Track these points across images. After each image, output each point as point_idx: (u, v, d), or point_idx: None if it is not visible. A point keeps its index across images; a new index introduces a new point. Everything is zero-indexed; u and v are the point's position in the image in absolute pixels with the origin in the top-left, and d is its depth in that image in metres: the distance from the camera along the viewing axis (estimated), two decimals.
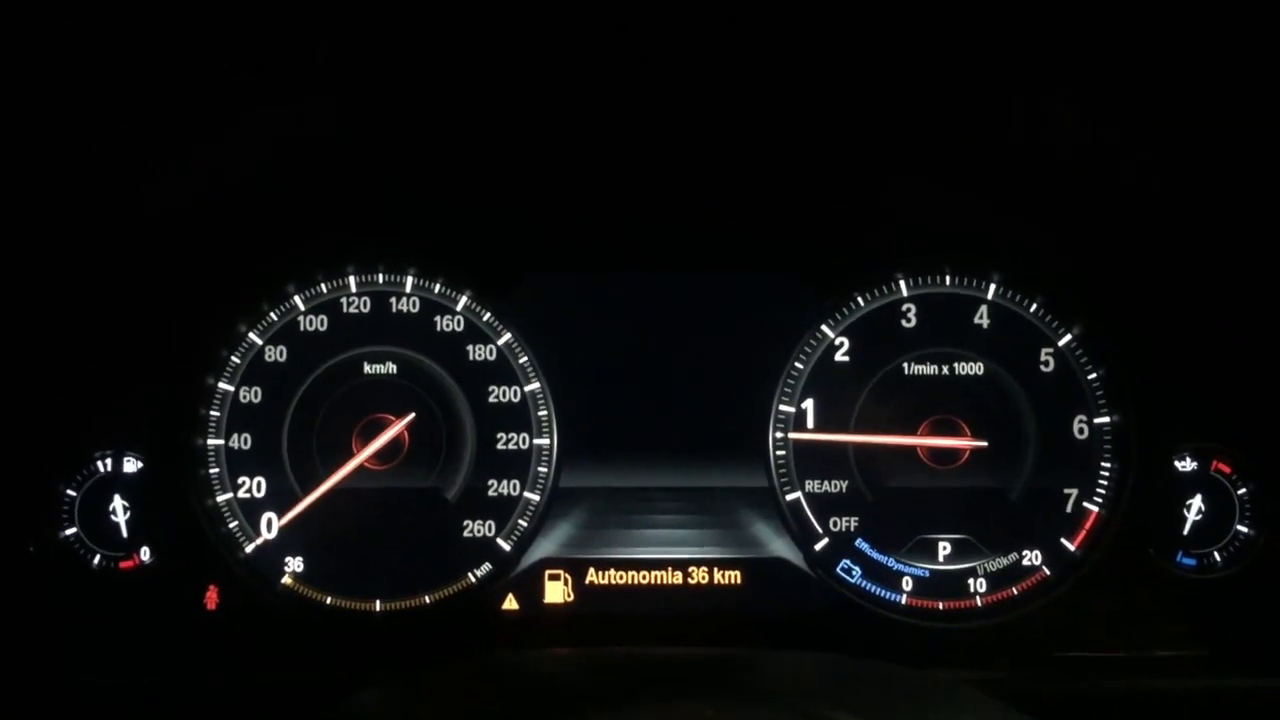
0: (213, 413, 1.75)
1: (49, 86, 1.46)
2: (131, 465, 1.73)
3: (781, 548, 1.75)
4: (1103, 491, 1.75)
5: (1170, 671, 1.67)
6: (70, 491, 1.72)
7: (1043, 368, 1.77)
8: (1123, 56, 1.50)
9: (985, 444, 1.76)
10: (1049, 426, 1.76)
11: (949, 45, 1.52)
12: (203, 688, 1.63)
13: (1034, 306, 1.77)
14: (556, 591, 1.74)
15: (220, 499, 1.74)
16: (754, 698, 1.16)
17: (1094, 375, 1.76)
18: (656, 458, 1.76)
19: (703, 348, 1.77)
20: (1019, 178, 1.71)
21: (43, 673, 1.63)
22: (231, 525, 1.74)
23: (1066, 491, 1.76)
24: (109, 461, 1.73)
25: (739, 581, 1.75)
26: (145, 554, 1.72)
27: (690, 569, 1.75)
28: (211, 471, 1.74)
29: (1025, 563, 1.76)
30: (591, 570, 1.75)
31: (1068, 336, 1.76)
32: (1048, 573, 1.75)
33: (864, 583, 1.76)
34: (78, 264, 1.69)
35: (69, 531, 1.72)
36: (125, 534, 1.72)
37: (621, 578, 1.75)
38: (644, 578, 1.75)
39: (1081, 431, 1.76)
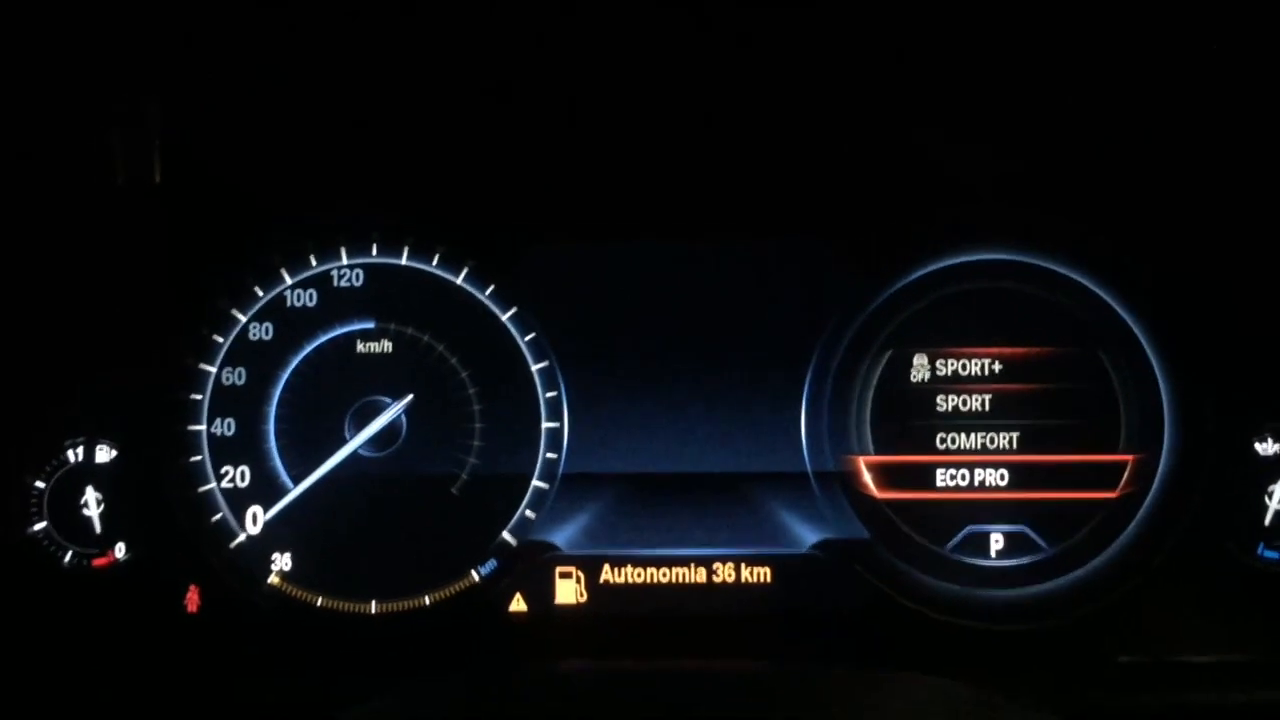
0: (193, 396, 1.65)
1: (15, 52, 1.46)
2: (105, 454, 1.64)
3: (816, 540, 1.64)
4: None
5: (1250, 679, 1.55)
6: (39, 483, 1.63)
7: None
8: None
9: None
10: None
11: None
12: (182, 696, 1.55)
13: (1106, 286, 1.65)
14: (568, 591, 1.64)
15: (201, 490, 1.65)
16: None
17: (1167, 352, 1.64)
18: (676, 442, 1.64)
19: (728, 323, 1.66)
20: (1083, 149, 1.62)
21: (9, 680, 1.55)
22: (214, 519, 1.65)
23: None
24: (80, 450, 1.64)
25: (769, 579, 1.64)
26: (120, 550, 1.63)
27: (715, 565, 1.64)
28: (191, 460, 1.65)
29: (1087, 558, 1.63)
30: (606, 567, 1.64)
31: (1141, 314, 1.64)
32: (1112, 570, 1.62)
33: (908, 580, 1.64)
34: (45, 236, 1.62)
35: (38, 527, 1.63)
36: (98, 529, 1.63)
37: (639, 575, 1.64)
38: (664, 575, 1.64)
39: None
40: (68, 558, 1.62)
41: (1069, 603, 1.62)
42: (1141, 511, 1.62)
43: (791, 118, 1.62)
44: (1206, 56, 1.52)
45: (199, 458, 1.64)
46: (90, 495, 1.62)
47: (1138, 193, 1.62)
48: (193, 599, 1.61)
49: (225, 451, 1.65)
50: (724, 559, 1.63)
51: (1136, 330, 1.64)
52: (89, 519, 1.62)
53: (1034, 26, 1.50)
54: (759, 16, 1.52)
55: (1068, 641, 1.60)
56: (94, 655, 1.58)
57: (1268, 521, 1.60)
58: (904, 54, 1.55)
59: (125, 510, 1.63)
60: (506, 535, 1.65)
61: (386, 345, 1.66)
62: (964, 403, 1.64)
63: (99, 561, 1.62)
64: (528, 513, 1.64)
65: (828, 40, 1.54)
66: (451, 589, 1.64)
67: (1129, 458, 1.62)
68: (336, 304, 1.66)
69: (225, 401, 1.65)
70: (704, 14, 1.51)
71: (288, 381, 1.65)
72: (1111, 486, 1.62)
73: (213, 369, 1.65)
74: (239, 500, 1.64)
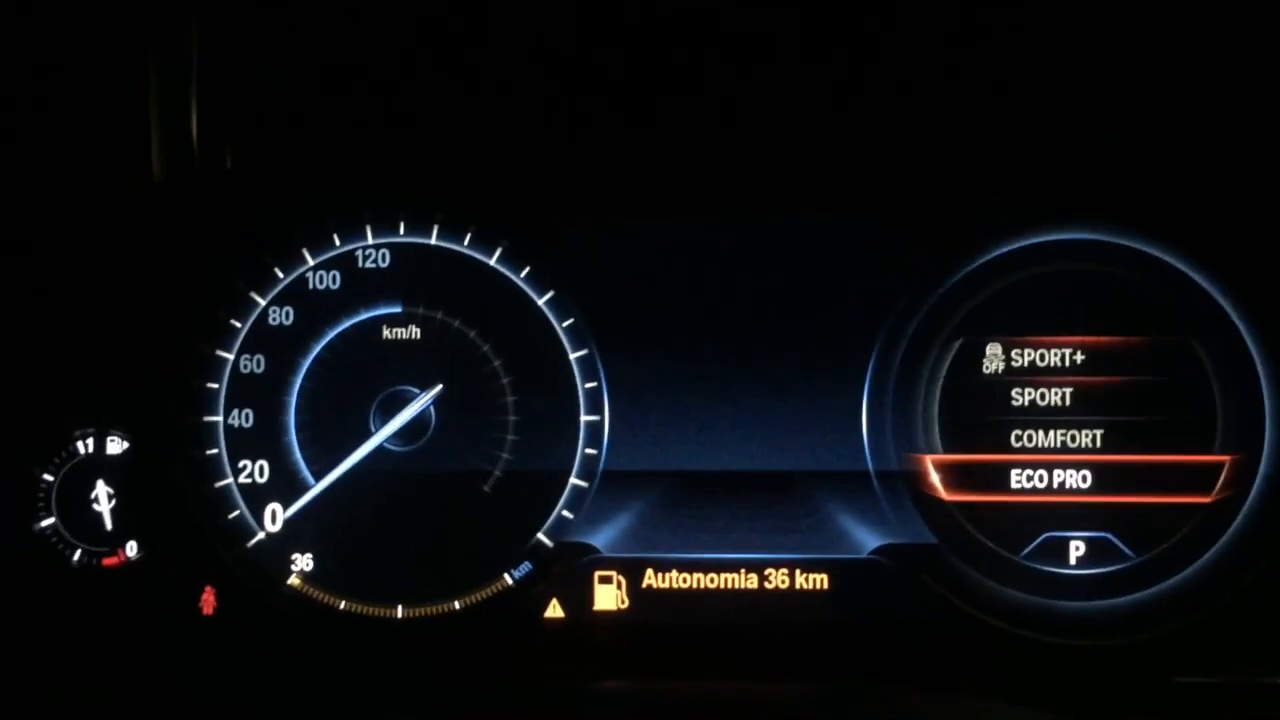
0: (209, 385, 1.59)
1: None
2: (116, 446, 1.58)
3: (878, 545, 1.54)
4: None
5: None
6: (47, 476, 1.58)
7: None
8: None
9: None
10: None
11: None
12: (197, 704, 1.47)
13: (1201, 268, 1.53)
14: (608, 596, 1.56)
15: (217, 485, 1.59)
16: None
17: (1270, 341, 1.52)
18: (726, 438, 1.56)
19: (783, 309, 1.57)
20: (1172, 118, 1.52)
21: (15, 685, 1.49)
22: (231, 516, 1.59)
23: None
24: (90, 442, 1.58)
25: (826, 586, 1.55)
26: (132, 549, 1.58)
27: (768, 571, 1.55)
28: (208, 453, 1.59)
29: (1177, 568, 1.52)
30: (649, 572, 1.56)
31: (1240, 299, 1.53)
32: (1205, 581, 1.52)
33: (978, 589, 1.53)
34: (53, 217, 1.56)
35: (46, 523, 1.58)
36: (109, 526, 1.58)
37: (684, 581, 1.56)
38: (711, 581, 1.56)
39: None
40: (76, 556, 1.57)
41: (1157, 617, 1.52)
42: (1239, 518, 1.52)
43: (856, 84, 1.53)
44: None
45: (215, 451, 1.58)
46: (101, 490, 1.57)
47: (1237, 165, 1.50)
48: (208, 601, 1.56)
49: (243, 444, 1.58)
50: (778, 564, 1.54)
51: (1234, 317, 1.53)
52: (99, 515, 1.57)
53: None
54: None
55: (1156, 659, 1.50)
56: (104, 660, 1.54)
57: None
58: (983, 20, 1.47)
59: (137, 506, 1.58)
60: (542, 536, 1.57)
61: (414, 331, 1.58)
62: (1042, 397, 1.54)
63: (109, 560, 1.57)
64: (565, 512, 1.57)
65: (901, 8, 1.46)
66: (483, 593, 1.58)
67: (1225, 458, 1.52)
68: (361, 286, 1.59)
69: (243, 391, 1.58)
70: None
71: (309, 370, 1.59)
72: (1206, 490, 1.52)
73: (230, 356, 1.58)
74: (257, 497, 1.58)
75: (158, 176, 1.55)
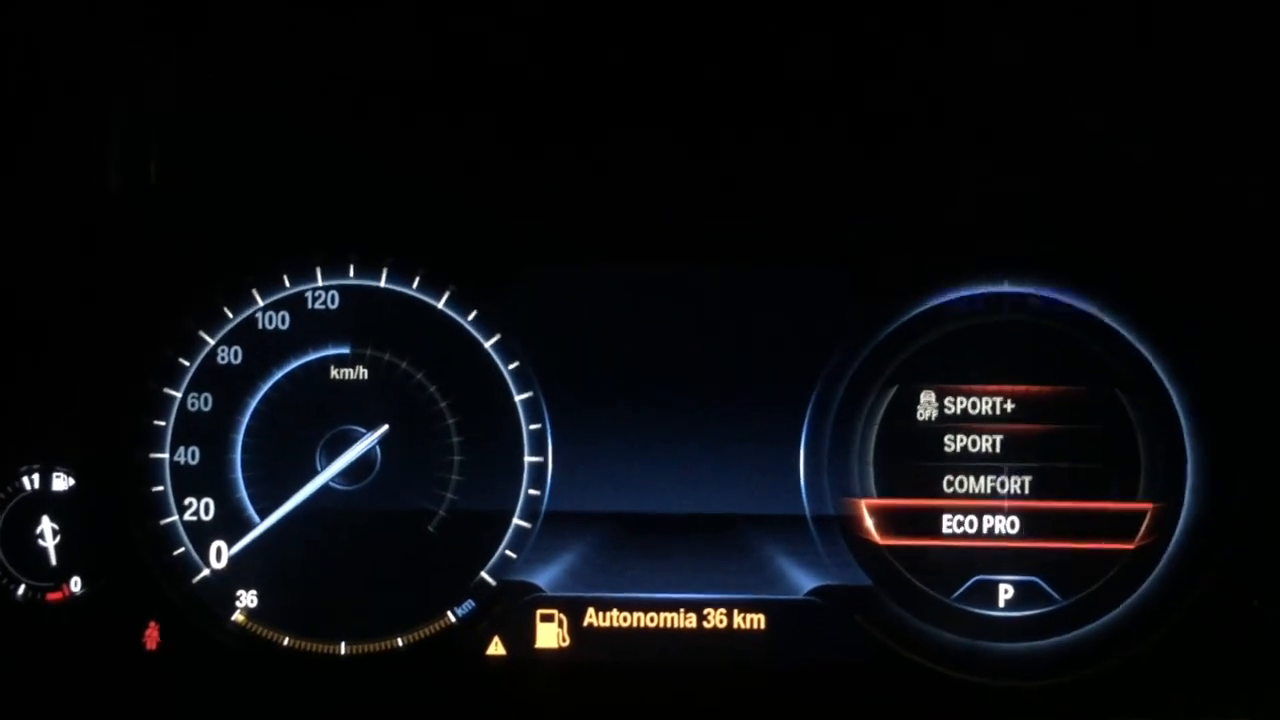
0: (155, 422, 1.57)
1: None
2: (61, 482, 1.55)
3: (814, 586, 1.55)
4: None
5: None
6: None
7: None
8: None
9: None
10: None
11: None
12: None
13: (1125, 321, 1.56)
14: (549, 635, 1.56)
15: (163, 522, 1.57)
16: None
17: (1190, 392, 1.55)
18: (667, 480, 1.56)
19: (724, 353, 1.57)
20: (1099, 179, 1.54)
21: None
22: (176, 553, 1.57)
23: None
24: (36, 478, 1.55)
25: (763, 626, 1.55)
26: (76, 584, 1.55)
27: (706, 611, 1.55)
28: (153, 490, 1.57)
29: (1102, 611, 1.54)
30: (591, 610, 1.56)
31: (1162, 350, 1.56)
32: (1128, 624, 1.54)
33: (910, 630, 1.55)
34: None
35: None
36: (54, 561, 1.55)
37: (625, 620, 1.56)
38: (652, 620, 1.56)
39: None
40: (21, 591, 1.54)
41: (1082, 659, 1.53)
42: (1161, 564, 1.54)
43: (798, 136, 1.54)
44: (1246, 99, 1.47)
45: (160, 488, 1.56)
46: (46, 525, 1.54)
47: (1166, 226, 1.53)
48: (152, 636, 1.54)
49: (188, 482, 1.57)
50: (716, 604, 1.55)
51: (1157, 368, 1.55)
52: (44, 550, 1.54)
53: (1061, 51, 1.46)
54: (767, 32, 1.48)
55: (1079, 700, 1.52)
56: (47, 694, 1.52)
57: None
58: (920, 76, 1.50)
59: (82, 542, 1.55)
60: (485, 575, 1.56)
61: (362, 372, 1.58)
62: (973, 443, 1.55)
63: (54, 595, 1.54)
64: (508, 552, 1.56)
65: (845, 57, 1.49)
66: (426, 630, 1.56)
67: (1148, 505, 1.54)
68: (310, 327, 1.58)
69: (190, 429, 1.57)
70: (709, 25, 1.48)
71: (256, 409, 1.57)
72: (1129, 536, 1.53)
73: (177, 394, 1.57)
74: (202, 534, 1.56)
75: (113, 188, 1.54)
